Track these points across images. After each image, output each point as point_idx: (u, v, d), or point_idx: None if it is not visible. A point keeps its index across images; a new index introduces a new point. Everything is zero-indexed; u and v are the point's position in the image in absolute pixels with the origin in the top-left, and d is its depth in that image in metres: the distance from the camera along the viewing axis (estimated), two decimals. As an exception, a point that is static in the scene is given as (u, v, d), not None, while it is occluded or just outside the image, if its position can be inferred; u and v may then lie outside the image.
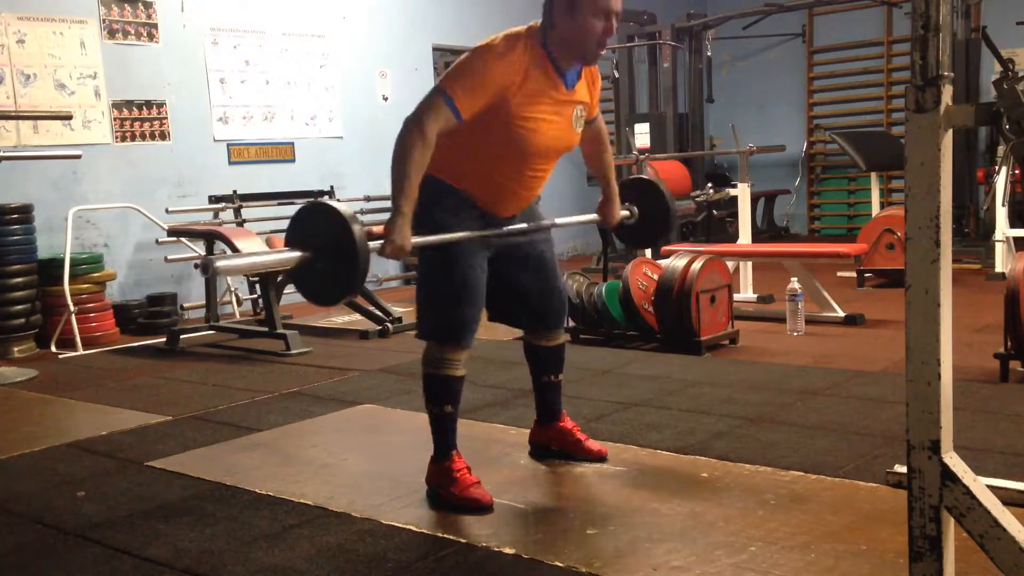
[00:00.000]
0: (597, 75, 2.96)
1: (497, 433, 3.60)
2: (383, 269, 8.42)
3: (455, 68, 2.66)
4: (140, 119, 6.90)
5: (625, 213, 3.34)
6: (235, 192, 7.20)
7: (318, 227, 2.48)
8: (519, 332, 3.22)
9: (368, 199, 7.94)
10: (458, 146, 2.76)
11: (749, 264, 6.62)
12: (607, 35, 2.71)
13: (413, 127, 2.59)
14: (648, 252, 6.73)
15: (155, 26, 6.98)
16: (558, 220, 3.17)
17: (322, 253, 2.47)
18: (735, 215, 7.46)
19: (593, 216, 3.30)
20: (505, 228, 2.89)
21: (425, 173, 2.80)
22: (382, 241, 2.55)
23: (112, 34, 6.76)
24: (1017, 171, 7.24)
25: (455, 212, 2.80)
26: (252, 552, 2.55)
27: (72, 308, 5.85)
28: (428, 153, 2.59)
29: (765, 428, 3.48)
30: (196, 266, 6.51)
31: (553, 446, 3.23)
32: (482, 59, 2.63)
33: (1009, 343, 4.04)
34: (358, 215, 7.76)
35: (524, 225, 2.95)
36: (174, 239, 6.43)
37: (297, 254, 2.47)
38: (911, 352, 1.68)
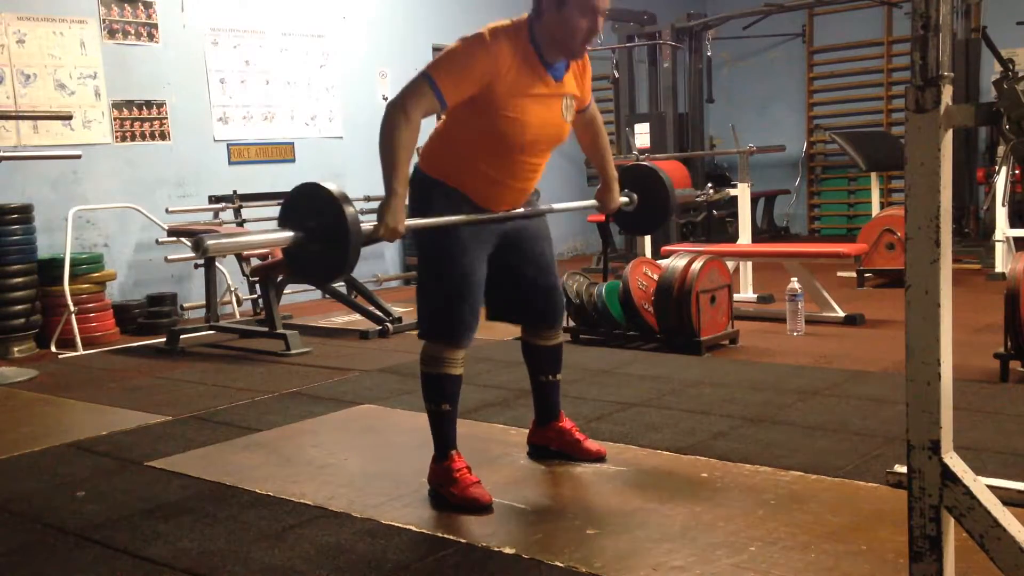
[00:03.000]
0: (587, 64, 2.97)
1: (497, 433, 3.59)
2: (383, 269, 8.43)
3: (442, 55, 2.68)
4: (140, 119, 6.90)
5: (624, 199, 3.32)
6: (235, 192, 7.21)
7: (311, 208, 2.48)
8: (519, 332, 3.22)
9: (368, 199, 7.93)
10: (449, 143, 2.81)
11: (749, 264, 6.62)
12: (592, 33, 2.72)
13: (396, 110, 2.61)
14: (648, 246, 6.73)
15: (155, 26, 6.98)
16: (555, 205, 3.16)
17: (315, 234, 2.46)
18: (735, 215, 7.46)
19: (592, 202, 3.28)
20: (501, 213, 2.86)
21: (420, 172, 2.83)
22: (375, 224, 2.56)
23: (112, 34, 6.76)
24: (1017, 171, 7.24)
25: (447, 212, 2.78)
26: (252, 552, 2.55)
27: (72, 308, 5.85)
28: (414, 135, 2.62)
29: (765, 428, 3.48)
30: (196, 266, 6.52)
31: (552, 446, 3.23)
32: (469, 48, 2.65)
33: (1009, 343, 4.04)
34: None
35: (521, 210, 2.93)
36: (174, 239, 6.43)
37: (290, 234, 2.47)
38: (911, 352, 1.68)
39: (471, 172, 2.80)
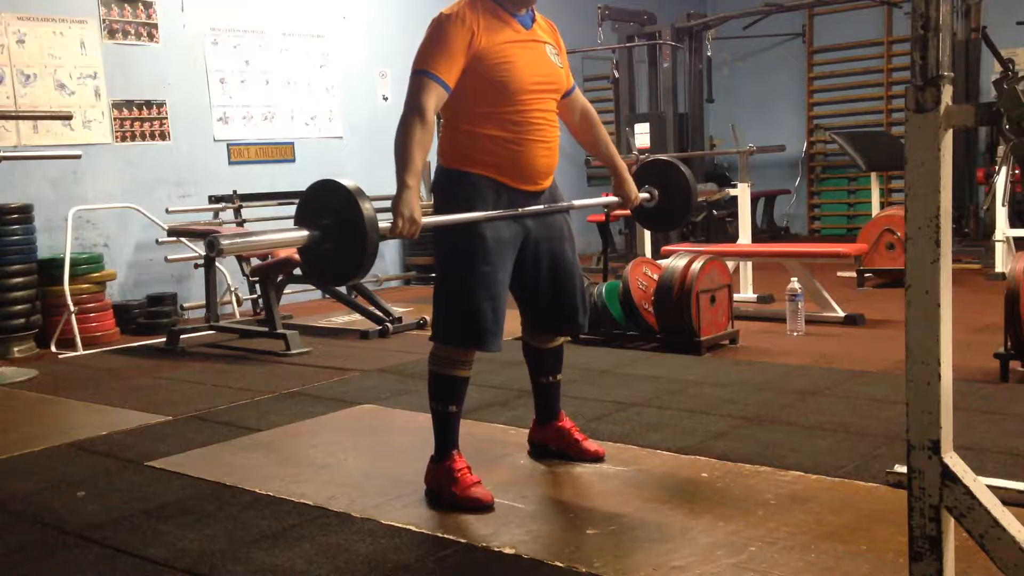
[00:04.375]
0: (559, 36, 3.00)
1: (497, 433, 3.60)
2: (383, 269, 8.42)
3: (422, 48, 2.74)
4: (140, 119, 6.90)
5: (645, 195, 3.29)
6: (235, 192, 7.21)
7: (327, 205, 2.44)
8: (519, 331, 3.21)
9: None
10: (460, 126, 2.81)
11: (749, 264, 6.62)
12: None
13: (411, 113, 2.66)
14: (648, 246, 6.73)
15: (155, 26, 6.98)
16: (576, 202, 3.13)
17: (331, 232, 2.42)
18: (735, 215, 7.46)
19: (613, 199, 3.26)
20: (521, 210, 2.83)
21: (441, 169, 2.84)
22: (392, 220, 2.55)
23: (112, 34, 6.76)
24: (1017, 171, 7.24)
25: (473, 201, 2.76)
26: (252, 552, 2.55)
27: (72, 308, 5.85)
28: (429, 135, 2.66)
29: (765, 428, 3.48)
30: (196, 266, 6.52)
31: (551, 445, 3.23)
32: (441, 28, 2.73)
33: (1009, 343, 4.04)
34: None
35: (540, 207, 2.89)
36: (174, 239, 6.43)
37: (305, 233, 2.42)
38: (911, 352, 1.68)
39: (489, 145, 2.78)
